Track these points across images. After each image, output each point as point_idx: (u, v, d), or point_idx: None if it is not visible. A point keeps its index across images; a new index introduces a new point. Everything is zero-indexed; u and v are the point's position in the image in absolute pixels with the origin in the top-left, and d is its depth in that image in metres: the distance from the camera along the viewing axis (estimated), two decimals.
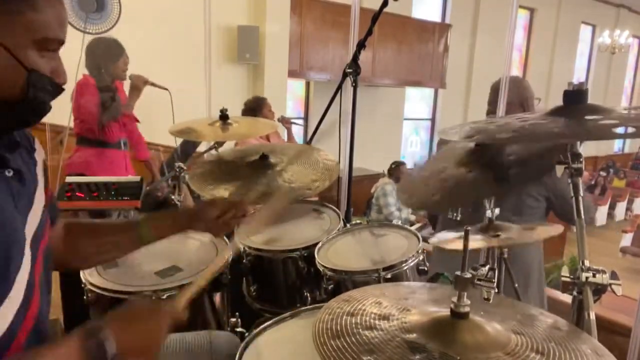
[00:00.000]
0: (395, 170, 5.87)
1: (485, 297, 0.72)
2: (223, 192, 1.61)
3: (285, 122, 4.06)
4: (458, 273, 0.72)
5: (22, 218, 0.84)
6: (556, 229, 1.31)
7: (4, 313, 0.77)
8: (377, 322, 0.75)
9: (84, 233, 1.11)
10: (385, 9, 1.74)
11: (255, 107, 3.73)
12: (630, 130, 0.85)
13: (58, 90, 0.86)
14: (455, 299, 0.73)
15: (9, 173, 0.82)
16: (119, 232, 1.14)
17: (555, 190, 1.90)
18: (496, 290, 0.86)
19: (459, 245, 1.40)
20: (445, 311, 0.74)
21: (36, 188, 0.92)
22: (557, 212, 1.94)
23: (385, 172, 6.07)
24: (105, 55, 2.96)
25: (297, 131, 4.08)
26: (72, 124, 3.14)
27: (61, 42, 0.84)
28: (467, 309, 0.72)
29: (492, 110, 2.13)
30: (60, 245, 1.07)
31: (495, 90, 2.14)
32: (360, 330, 0.72)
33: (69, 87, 2.96)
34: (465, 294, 0.72)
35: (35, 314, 0.85)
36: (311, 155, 1.79)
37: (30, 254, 0.83)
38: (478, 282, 0.71)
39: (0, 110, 0.79)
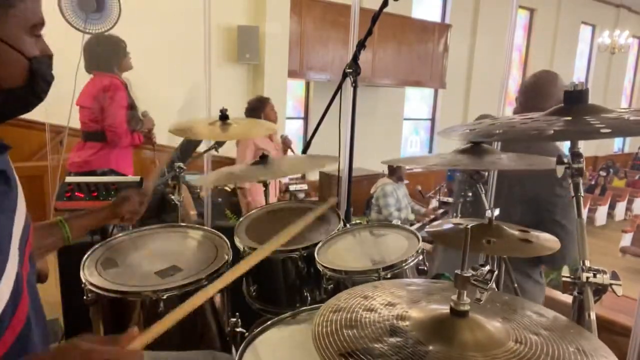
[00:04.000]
0: (396, 169, 5.87)
1: (478, 297, 0.72)
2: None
3: (286, 143, 4.08)
4: (458, 271, 0.72)
5: (8, 218, 0.84)
6: (553, 243, 1.30)
7: None
8: (380, 333, 0.74)
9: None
10: (385, 9, 1.74)
11: (259, 107, 3.74)
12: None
13: (51, 63, 0.89)
14: (455, 297, 0.73)
15: None
16: (45, 237, 1.18)
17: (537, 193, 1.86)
18: (496, 290, 0.86)
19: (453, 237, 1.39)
20: (444, 309, 0.75)
21: (18, 189, 0.91)
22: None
23: (386, 172, 6.06)
24: (116, 51, 2.99)
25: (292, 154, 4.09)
26: (72, 124, 3.15)
27: (43, 22, 0.86)
28: (466, 307, 0.72)
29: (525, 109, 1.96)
30: None
31: (532, 88, 2.03)
32: (369, 343, 0.71)
33: (70, 87, 2.98)
34: (465, 292, 0.72)
35: (25, 314, 0.84)
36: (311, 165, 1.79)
37: (17, 255, 0.83)
38: (474, 282, 0.71)
39: (9, 98, 0.83)
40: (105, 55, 2.99)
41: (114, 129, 2.93)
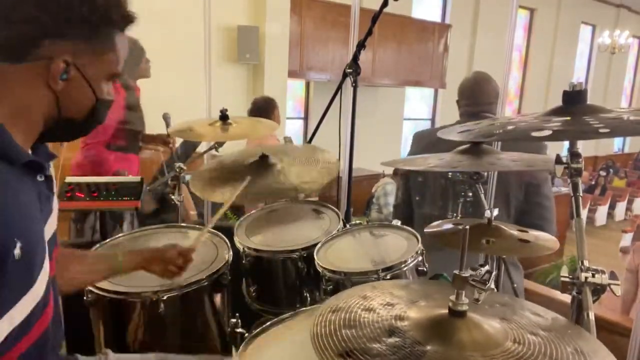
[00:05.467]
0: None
1: (476, 297, 0.72)
2: (226, 194, 1.62)
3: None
4: (456, 272, 0.72)
5: (43, 222, 0.91)
6: (553, 243, 1.30)
7: (25, 304, 0.83)
8: (378, 333, 0.75)
9: (75, 259, 1.21)
10: (385, 9, 1.74)
11: (266, 108, 3.69)
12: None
13: (109, 107, 1.01)
14: (453, 298, 0.73)
15: (41, 178, 0.91)
16: (101, 262, 1.27)
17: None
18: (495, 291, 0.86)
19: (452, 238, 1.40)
20: (443, 309, 0.75)
21: (54, 194, 0.99)
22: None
23: (386, 172, 6.05)
24: (132, 55, 2.95)
25: None
26: None
27: (119, 74, 0.99)
28: (465, 308, 0.73)
29: (472, 112, 2.09)
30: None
31: (469, 89, 2.14)
32: (367, 343, 0.72)
33: None
34: (464, 292, 0.72)
35: (51, 312, 0.92)
36: (313, 155, 1.80)
37: (47, 257, 0.90)
38: (472, 282, 0.71)
39: (65, 126, 0.93)
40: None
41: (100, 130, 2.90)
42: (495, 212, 1.35)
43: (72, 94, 0.90)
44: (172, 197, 1.96)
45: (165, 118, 3.04)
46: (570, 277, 0.94)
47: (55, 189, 1.01)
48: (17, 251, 0.78)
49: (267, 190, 1.66)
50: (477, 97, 2.10)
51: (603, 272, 0.92)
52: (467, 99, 2.14)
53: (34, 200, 0.88)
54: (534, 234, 1.32)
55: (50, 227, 0.95)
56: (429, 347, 0.69)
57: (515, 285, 1.62)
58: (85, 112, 0.94)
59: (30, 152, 0.90)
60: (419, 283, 0.94)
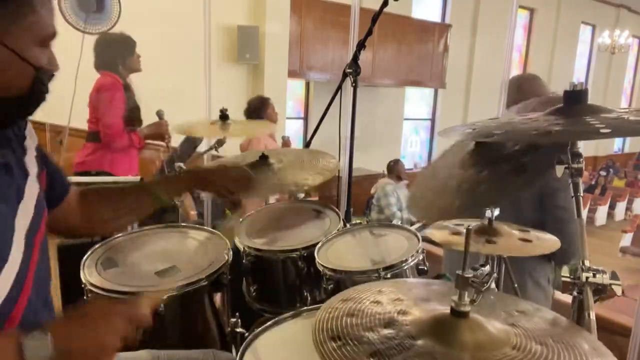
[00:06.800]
0: (394, 167, 5.86)
1: (473, 298, 0.72)
2: None
3: (287, 144, 4.09)
4: (459, 272, 0.72)
5: (10, 209, 0.86)
6: (553, 243, 1.30)
7: None
8: (376, 323, 0.75)
9: (101, 199, 1.17)
10: (385, 9, 1.74)
11: (260, 107, 3.73)
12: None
13: (52, 78, 0.92)
14: (455, 298, 0.73)
15: None
16: (134, 195, 1.22)
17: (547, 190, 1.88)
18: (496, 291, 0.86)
19: (452, 239, 1.40)
20: (445, 309, 0.75)
21: (27, 179, 0.93)
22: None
23: (385, 171, 6.06)
24: (123, 50, 2.94)
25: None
26: (72, 124, 3.14)
27: (55, 35, 0.89)
28: (467, 308, 0.72)
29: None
30: (77, 212, 1.12)
31: (517, 85, 2.13)
32: (362, 331, 0.73)
33: (70, 86, 2.98)
34: (466, 292, 0.72)
35: (21, 310, 0.85)
36: (312, 157, 1.79)
37: (23, 247, 0.85)
38: (472, 283, 0.71)
39: (5, 105, 0.85)
40: (111, 54, 2.94)
41: (107, 129, 2.87)
42: (496, 212, 1.35)
43: (6, 70, 0.82)
44: None
45: (159, 114, 3.03)
46: (571, 277, 0.94)
47: (31, 174, 0.94)
48: None
49: (267, 186, 1.65)
50: (517, 95, 2.10)
51: (604, 272, 0.92)
52: (509, 96, 2.14)
53: None
54: (535, 234, 1.32)
55: (25, 214, 0.89)
56: (419, 342, 0.69)
57: (515, 285, 1.62)
58: (27, 87, 0.85)
59: None
60: (440, 284, 0.94)
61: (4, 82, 0.83)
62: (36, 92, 0.87)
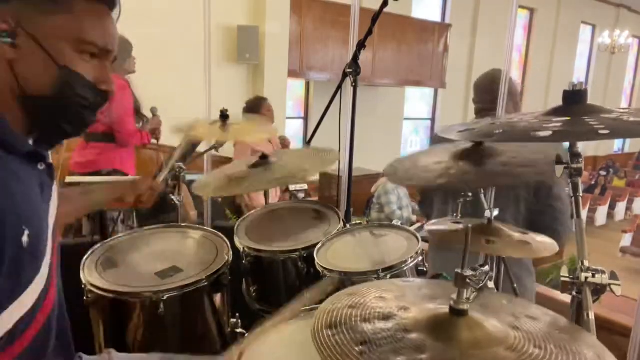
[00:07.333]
0: None
1: (468, 296, 0.72)
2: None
3: (284, 144, 4.10)
4: (458, 270, 0.72)
5: (46, 209, 0.91)
6: (552, 247, 1.30)
7: (33, 291, 0.84)
8: (375, 316, 0.76)
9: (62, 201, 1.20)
10: (385, 9, 1.74)
11: (254, 107, 3.75)
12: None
13: (101, 96, 0.90)
14: (454, 296, 0.73)
15: (42, 167, 0.90)
16: (81, 198, 1.35)
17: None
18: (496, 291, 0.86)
19: (453, 237, 1.40)
20: (444, 308, 0.75)
21: (54, 184, 0.99)
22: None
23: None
24: (122, 52, 2.96)
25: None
26: None
27: (105, 50, 0.89)
28: (466, 307, 0.73)
29: (484, 108, 2.08)
30: None
31: (482, 87, 2.12)
32: (358, 321, 0.74)
33: None
34: (465, 291, 0.72)
35: (53, 298, 0.92)
36: (311, 152, 1.79)
37: (51, 243, 0.90)
38: (469, 282, 0.72)
39: (29, 106, 0.84)
40: None
41: (122, 129, 2.92)
42: (496, 212, 1.35)
43: (28, 62, 0.81)
44: (172, 197, 1.96)
45: (153, 111, 3.08)
46: (571, 277, 0.94)
47: (56, 178, 1.00)
48: (25, 239, 0.79)
49: (267, 180, 1.64)
50: (487, 95, 2.08)
51: (603, 272, 0.92)
52: (477, 96, 2.13)
53: (37, 188, 0.88)
54: (532, 236, 1.32)
55: (52, 214, 0.95)
56: (412, 336, 0.70)
57: (515, 285, 1.62)
58: (51, 85, 0.83)
59: (30, 142, 0.90)
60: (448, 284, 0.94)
61: (33, 77, 0.82)
62: (63, 96, 0.84)
